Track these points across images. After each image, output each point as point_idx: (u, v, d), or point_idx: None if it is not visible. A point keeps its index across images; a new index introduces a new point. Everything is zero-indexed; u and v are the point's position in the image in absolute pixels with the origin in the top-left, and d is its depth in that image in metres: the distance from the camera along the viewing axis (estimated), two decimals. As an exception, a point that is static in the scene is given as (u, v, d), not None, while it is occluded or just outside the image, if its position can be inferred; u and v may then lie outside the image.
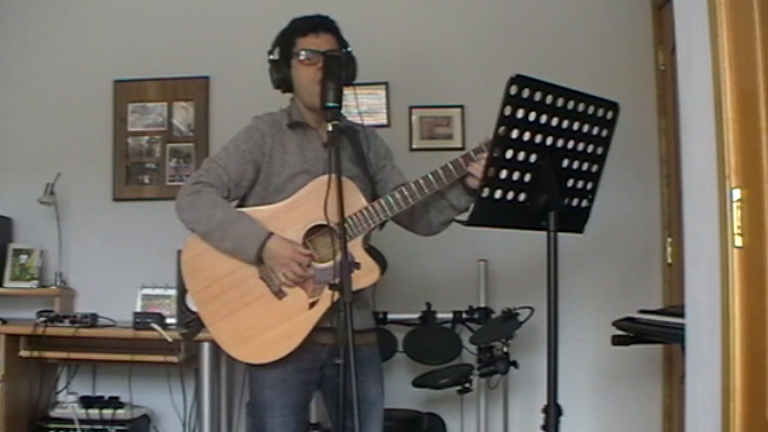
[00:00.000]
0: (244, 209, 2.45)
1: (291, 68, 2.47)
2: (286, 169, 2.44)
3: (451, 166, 2.35)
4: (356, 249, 2.34)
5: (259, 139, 2.46)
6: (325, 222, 2.28)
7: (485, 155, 2.23)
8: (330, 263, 2.34)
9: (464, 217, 2.37)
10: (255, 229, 2.35)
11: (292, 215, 2.38)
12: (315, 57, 2.41)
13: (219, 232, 2.37)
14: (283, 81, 2.50)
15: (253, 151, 2.45)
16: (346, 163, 2.42)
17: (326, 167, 2.27)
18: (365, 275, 2.33)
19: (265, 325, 2.35)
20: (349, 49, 2.52)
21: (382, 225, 2.44)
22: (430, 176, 2.35)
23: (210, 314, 2.40)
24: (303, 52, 2.42)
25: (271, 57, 2.52)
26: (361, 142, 2.54)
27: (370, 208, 2.37)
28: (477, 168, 2.29)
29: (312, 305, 2.33)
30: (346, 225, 2.22)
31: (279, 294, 2.37)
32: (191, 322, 2.51)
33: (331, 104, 2.27)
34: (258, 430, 2.45)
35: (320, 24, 2.47)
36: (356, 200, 2.38)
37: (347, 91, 2.43)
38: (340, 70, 2.33)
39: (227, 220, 2.37)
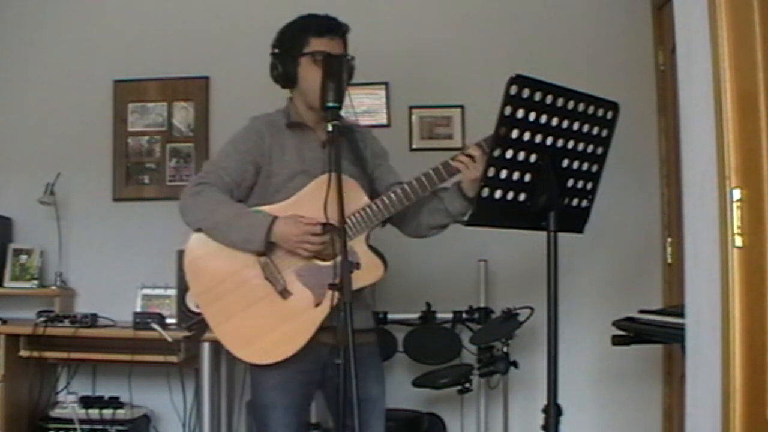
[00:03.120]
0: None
1: (298, 65, 2.45)
2: (284, 169, 2.44)
3: (452, 163, 2.35)
4: (359, 246, 2.35)
5: (257, 139, 2.46)
6: (328, 221, 2.28)
7: (475, 151, 2.28)
8: (331, 263, 2.34)
9: (465, 216, 2.38)
10: (259, 216, 2.35)
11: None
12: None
13: (224, 225, 2.37)
14: (287, 77, 2.47)
15: (252, 151, 2.45)
16: (345, 163, 2.41)
17: (325, 167, 2.26)
18: (370, 272, 2.33)
19: (271, 325, 2.34)
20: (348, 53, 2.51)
21: (384, 223, 2.44)
22: (431, 172, 2.35)
23: (214, 315, 2.39)
24: (318, 54, 2.40)
25: (276, 50, 2.49)
26: (357, 141, 2.53)
27: (372, 205, 2.36)
28: (464, 160, 2.31)
29: (317, 304, 2.33)
30: (348, 223, 2.23)
31: (284, 293, 2.36)
32: (195, 324, 2.50)
33: (331, 104, 2.25)
34: (259, 430, 2.45)
35: (337, 28, 2.45)
36: (358, 198, 2.38)
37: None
38: (340, 70, 2.31)
39: (232, 213, 2.38)
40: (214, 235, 2.40)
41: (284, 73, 2.47)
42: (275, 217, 2.34)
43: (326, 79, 2.28)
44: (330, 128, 2.23)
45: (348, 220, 2.27)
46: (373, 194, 2.48)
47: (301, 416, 2.44)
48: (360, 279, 2.23)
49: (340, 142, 2.34)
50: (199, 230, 2.43)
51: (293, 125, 2.48)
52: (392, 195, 2.36)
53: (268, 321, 2.35)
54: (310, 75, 2.42)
